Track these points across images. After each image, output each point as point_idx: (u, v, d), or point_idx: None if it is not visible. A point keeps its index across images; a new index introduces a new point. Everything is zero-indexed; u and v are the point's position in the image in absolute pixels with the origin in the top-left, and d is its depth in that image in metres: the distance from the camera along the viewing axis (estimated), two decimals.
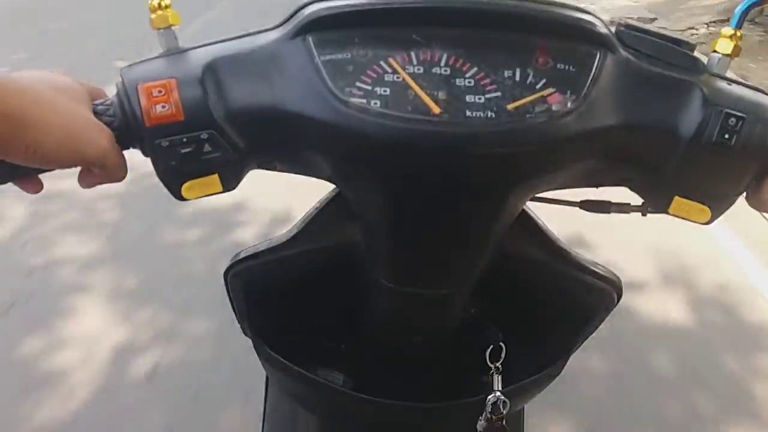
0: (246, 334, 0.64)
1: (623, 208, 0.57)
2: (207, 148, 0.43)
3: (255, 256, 0.59)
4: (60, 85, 0.42)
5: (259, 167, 0.50)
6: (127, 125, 0.43)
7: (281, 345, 0.62)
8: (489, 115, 0.42)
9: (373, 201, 0.49)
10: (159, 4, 0.46)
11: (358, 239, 0.56)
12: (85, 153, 0.41)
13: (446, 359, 0.66)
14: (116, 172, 0.44)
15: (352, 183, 0.50)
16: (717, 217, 0.47)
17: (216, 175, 0.45)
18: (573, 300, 0.60)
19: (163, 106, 0.42)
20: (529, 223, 0.59)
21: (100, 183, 0.45)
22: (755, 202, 0.47)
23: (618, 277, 0.59)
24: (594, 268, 0.59)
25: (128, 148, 0.45)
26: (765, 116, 0.44)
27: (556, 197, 0.57)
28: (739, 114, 0.43)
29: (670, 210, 0.47)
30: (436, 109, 0.42)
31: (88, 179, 0.44)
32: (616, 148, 0.45)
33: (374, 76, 0.43)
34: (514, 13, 0.44)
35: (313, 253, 0.59)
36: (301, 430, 0.77)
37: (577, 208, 0.59)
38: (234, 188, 0.47)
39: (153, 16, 0.46)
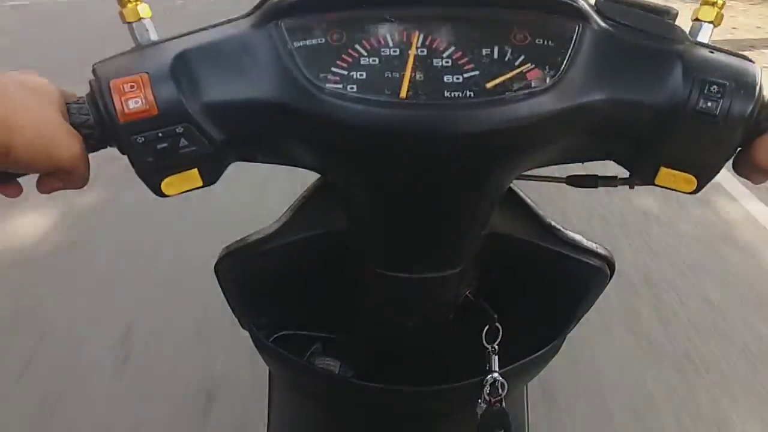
0: (243, 327, 0.64)
1: (610, 181, 0.56)
2: (183, 142, 0.43)
3: (244, 248, 0.58)
4: (32, 87, 0.41)
5: (239, 159, 0.49)
6: (102, 123, 0.42)
7: (279, 336, 0.62)
8: (467, 94, 0.41)
9: (357, 187, 0.49)
10: None
11: (347, 227, 0.56)
12: (57, 157, 0.40)
13: (443, 342, 0.66)
14: (81, 179, 0.43)
15: (335, 170, 0.49)
16: (703, 186, 0.46)
17: (195, 170, 0.44)
18: (566, 277, 0.59)
19: (136, 102, 0.41)
20: (517, 203, 0.58)
21: (60, 189, 0.43)
22: (742, 170, 0.46)
23: (610, 252, 0.59)
24: (585, 245, 0.58)
25: (105, 147, 0.44)
26: (748, 83, 0.43)
27: (542, 174, 0.57)
28: (721, 81, 0.43)
29: (657, 181, 0.47)
30: (414, 91, 0.41)
31: (49, 185, 0.43)
32: (598, 122, 0.45)
33: (350, 60, 0.42)
34: None
35: (303, 243, 0.58)
36: (305, 420, 0.77)
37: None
38: (215, 182, 0.46)
39: (123, 9, 0.45)
